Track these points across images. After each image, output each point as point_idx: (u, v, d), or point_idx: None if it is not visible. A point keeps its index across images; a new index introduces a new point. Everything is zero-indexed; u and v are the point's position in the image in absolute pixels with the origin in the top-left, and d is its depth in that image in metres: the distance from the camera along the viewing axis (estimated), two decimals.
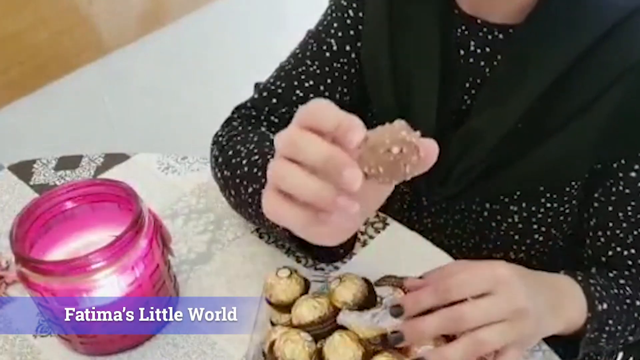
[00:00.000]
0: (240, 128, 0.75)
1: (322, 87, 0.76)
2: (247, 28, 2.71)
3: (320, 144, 0.41)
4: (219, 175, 0.72)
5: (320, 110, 0.42)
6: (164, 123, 2.19)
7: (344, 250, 0.62)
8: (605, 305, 0.61)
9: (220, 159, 0.72)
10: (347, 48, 0.76)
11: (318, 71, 0.76)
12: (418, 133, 0.42)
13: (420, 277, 0.58)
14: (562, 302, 0.58)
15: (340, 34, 0.76)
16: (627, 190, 0.64)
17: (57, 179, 0.88)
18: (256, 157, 0.67)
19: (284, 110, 0.77)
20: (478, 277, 0.53)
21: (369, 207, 0.48)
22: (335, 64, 0.76)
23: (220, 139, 0.75)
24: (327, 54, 0.76)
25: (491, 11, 0.65)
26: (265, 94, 0.78)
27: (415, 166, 0.42)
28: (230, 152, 0.70)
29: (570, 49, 0.60)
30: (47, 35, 2.38)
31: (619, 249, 0.66)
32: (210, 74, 2.23)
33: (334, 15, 0.77)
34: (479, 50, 0.67)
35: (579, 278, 0.62)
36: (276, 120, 0.78)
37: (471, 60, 0.68)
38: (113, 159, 0.91)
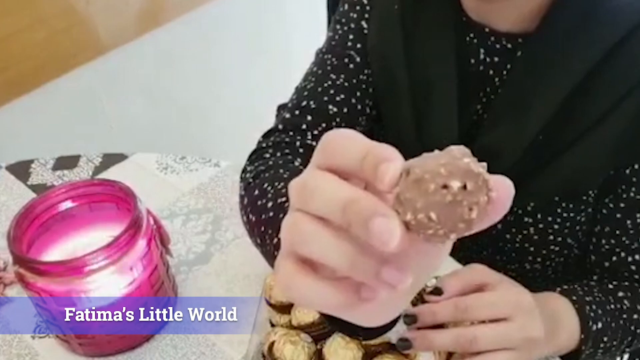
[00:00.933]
0: (270, 162, 0.66)
1: (353, 100, 0.71)
2: (245, 28, 2.71)
3: (336, 186, 0.29)
4: (244, 219, 0.63)
5: (338, 141, 0.30)
6: (162, 123, 2.19)
7: (391, 322, 0.40)
8: (600, 325, 0.60)
9: (246, 200, 0.63)
10: (369, 59, 0.72)
11: (346, 84, 0.71)
12: (484, 164, 0.27)
13: (436, 277, 0.57)
14: (556, 331, 0.58)
15: (359, 45, 0.72)
16: (638, 197, 0.63)
17: (55, 179, 0.88)
18: (283, 199, 0.57)
19: (323, 126, 0.70)
20: (501, 303, 0.53)
21: (421, 275, 0.32)
22: (361, 76, 0.72)
23: (247, 175, 0.66)
24: (351, 66, 0.72)
25: (497, 19, 0.64)
26: (297, 112, 0.70)
27: (484, 212, 0.27)
28: (256, 192, 0.61)
29: (585, 59, 0.59)
30: (44, 35, 2.38)
31: (623, 254, 0.65)
32: (209, 74, 2.22)
33: (345, 28, 0.73)
34: (488, 59, 0.66)
35: (574, 298, 0.61)
36: (314, 142, 0.69)
37: (481, 68, 0.66)
38: (111, 159, 0.91)
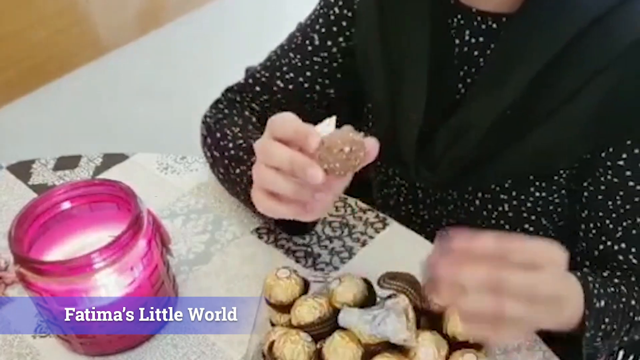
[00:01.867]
0: (226, 111, 0.82)
1: (301, 79, 0.79)
2: (245, 27, 2.71)
3: (283, 150, 0.52)
4: (208, 154, 0.80)
5: (281, 123, 0.53)
6: (162, 122, 2.19)
7: (313, 223, 0.73)
8: (602, 303, 0.60)
9: (209, 140, 0.79)
10: (329, 43, 0.78)
11: (299, 64, 0.79)
12: (362, 134, 0.53)
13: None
14: (564, 300, 0.56)
15: (323, 30, 0.78)
16: (615, 180, 0.64)
17: (56, 179, 0.88)
18: (241, 141, 0.74)
19: (265, 97, 0.82)
20: (539, 251, 0.49)
21: (335, 193, 0.58)
22: (315, 58, 0.79)
23: (208, 119, 0.81)
24: (309, 48, 0.79)
25: (484, 0, 0.66)
26: (250, 80, 0.82)
27: (363, 159, 0.52)
28: (218, 135, 0.77)
29: (559, 36, 0.61)
30: (45, 35, 2.38)
31: (609, 243, 0.66)
32: (209, 73, 2.22)
33: (321, 11, 0.79)
34: (473, 40, 0.68)
35: (578, 274, 0.61)
36: (257, 107, 0.83)
37: (466, 49, 0.68)
38: (112, 159, 0.91)
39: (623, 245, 0.66)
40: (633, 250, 0.65)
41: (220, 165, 0.77)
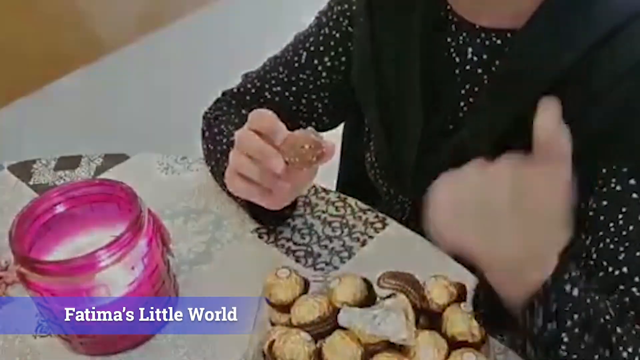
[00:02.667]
0: (224, 109, 0.88)
1: (287, 93, 0.83)
2: (245, 29, 2.71)
3: (256, 141, 0.59)
4: (204, 146, 0.85)
5: (258, 117, 0.60)
6: (163, 123, 2.19)
7: (289, 212, 0.79)
8: (575, 292, 0.51)
9: (207, 134, 0.84)
10: (315, 61, 0.80)
11: (285, 79, 0.83)
12: (322, 134, 0.60)
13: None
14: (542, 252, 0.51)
15: (312, 48, 0.81)
16: (617, 188, 0.60)
17: (57, 179, 0.88)
18: (232, 138, 0.77)
19: (255, 107, 0.83)
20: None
21: (300, 186, 0.64)
22: (301, 75, 0.82)
23: (208, 115, 0.87)
24: (296, 65, 0.82)
25: (489, 16, 0.64)
26: (242, 89, 0.87)
27: (319, 157, 0.59)
28: (216, 130, 0.82)
29: (567, 53, 0.59)
30: (46, 36, 2.39)
31: (610, 268, 0.60)
32: (209, 75, 2.23)
33: (312, 29, 0.81)
34: (475, 58, 0.67)
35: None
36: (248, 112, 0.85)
37: (468, 67, 0.67)
38: (112, 159, 0.91)
39: (625, 269, 0.58)
40: (636, 279, 0.58)
41: (213, 157, 0.82)
